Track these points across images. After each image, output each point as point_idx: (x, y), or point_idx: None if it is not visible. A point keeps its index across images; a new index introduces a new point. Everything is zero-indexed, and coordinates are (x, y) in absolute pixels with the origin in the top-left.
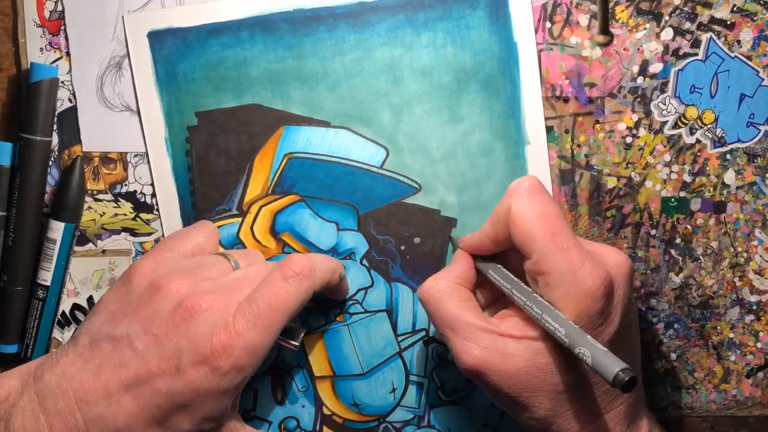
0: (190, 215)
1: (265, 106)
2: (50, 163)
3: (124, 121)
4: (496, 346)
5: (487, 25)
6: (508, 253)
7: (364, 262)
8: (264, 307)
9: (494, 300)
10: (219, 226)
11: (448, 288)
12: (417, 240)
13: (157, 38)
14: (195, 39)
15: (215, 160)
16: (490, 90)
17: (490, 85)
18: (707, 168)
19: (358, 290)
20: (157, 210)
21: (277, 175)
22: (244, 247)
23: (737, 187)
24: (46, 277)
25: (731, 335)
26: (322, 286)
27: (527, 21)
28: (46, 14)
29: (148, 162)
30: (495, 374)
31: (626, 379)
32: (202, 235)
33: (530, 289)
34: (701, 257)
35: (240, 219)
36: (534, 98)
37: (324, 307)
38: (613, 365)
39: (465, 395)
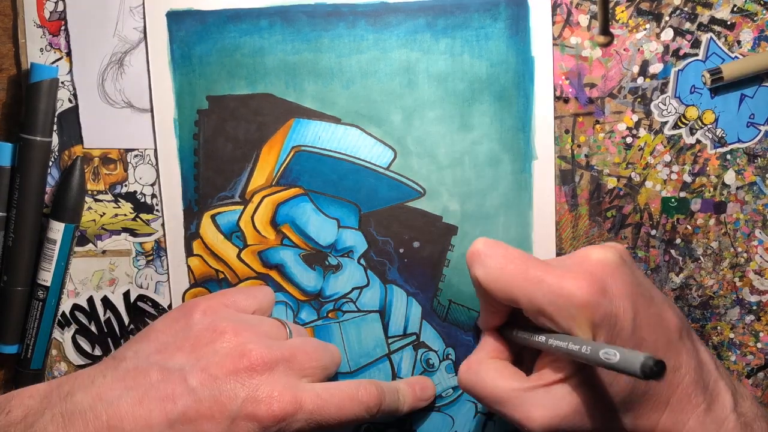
0: (192, 198)
1: (278, 97)
2: (50, 163)
3: (126, 117)
4: (549, 397)
5: (506, 37)
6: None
7: (362, 261)
8: (332, 408)
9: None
10: (220, 213)
11: (481, 365)
12: (416, 244)
13: (175, 18)
14: (214, 23)
15: (222, 146)
16: (503, 102)
17: (504, 97)
18: (707, 168)
19: (353, 289)
20: (159, 196)
21: (283, 167)
22: (243, 235)
23: (737, 188)
24: (46, 277)
25: (731, 335)
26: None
27: (546, 36)
28: (46, 14)
29: (155, 140)
30: (563, 420)
31: (651, 368)
32: (264, 297)
33: (546, 331)
34: (701, 257)
35: (242, 207)
36: (546, 114)
37: (319, 303)
38: (634, 361)
39: (449, 403)
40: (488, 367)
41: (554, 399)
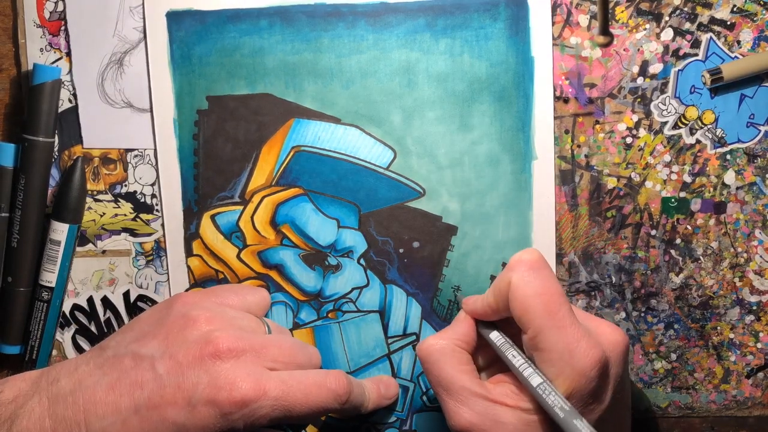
0: (192, 198)
1: (277, 97)
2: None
3: (125, 117)
4: (488, 412)
5: (505, 37)
6: (511, 318)
7: (362, 261)
8: (299, 394)
9: (492, 362)
10: (219, 213)
11: (447, 349)
12: (416, 244)
13: (175, 18)
14: (213, 23)
15: (222, 146)
16: (502, 102)
17: (503, 97)
18: (707, 168)
19: (353, 289)
20: (159, 197)
21: (282, 167)
22: (243, 235)
23: (737, 188)
24: (50, 278)
25: (731, 335)
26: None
27: (546, 36)
28: (46, 15)
29: (154, 140)
30: None
31: None
32: (254, 298)
33: (528, 362)
34: (701, 258)
35: (241, 207)
36: (545, 114)
37: (317, 302)
38: None
39: None
40: (452, 358)
41: (491, 416)
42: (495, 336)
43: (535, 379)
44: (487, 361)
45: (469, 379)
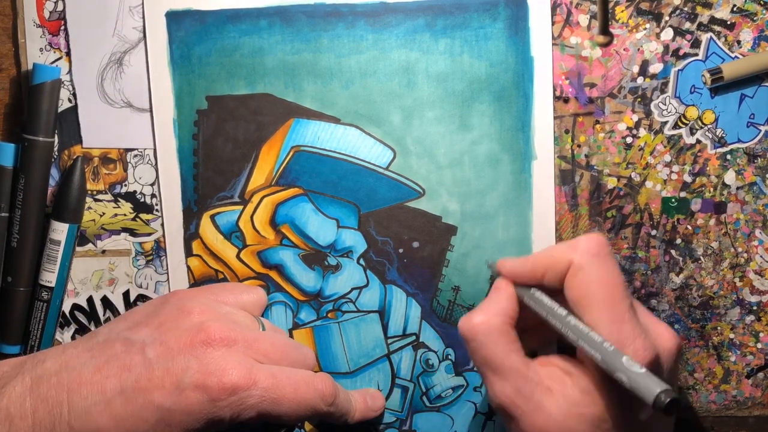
0: (191, 198)
1: (277, 97)
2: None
3: (125, 117)
4: (534, 396)
5: (505, 37)
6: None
7: (361, 261)
8: (288, 388)
9: (532, 323)
10: (219, 213)
11: (495, 328)
12: (416, 244)
13: (175, 18)
14: (213, 23)
15: (222, 146)
16: (502, 102)
17: (503, 97)
18: (707, 168)
19: (352, 289)
20: (159, 197)
21: (282, 167)
22: (243, 235)
23: (737, 188)
24: (50, 278)
25: (731, 336)
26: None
27: (545, 36)
28: (46, 14)
29: (154, 140)
30: (525, 424)
31: (667, 400)
32: (250, 297)
33: (567, 314)
34: (701, 258)
35: (241, 207)
36: (545, 114)
37: (315, 301)
38: (653, 387)
39: (448, 403)
40: (501, 337)
41: (536, 402)
42: (532, 293)
43: (576, 330)
44: (526, 323)
45: (518, 359)
